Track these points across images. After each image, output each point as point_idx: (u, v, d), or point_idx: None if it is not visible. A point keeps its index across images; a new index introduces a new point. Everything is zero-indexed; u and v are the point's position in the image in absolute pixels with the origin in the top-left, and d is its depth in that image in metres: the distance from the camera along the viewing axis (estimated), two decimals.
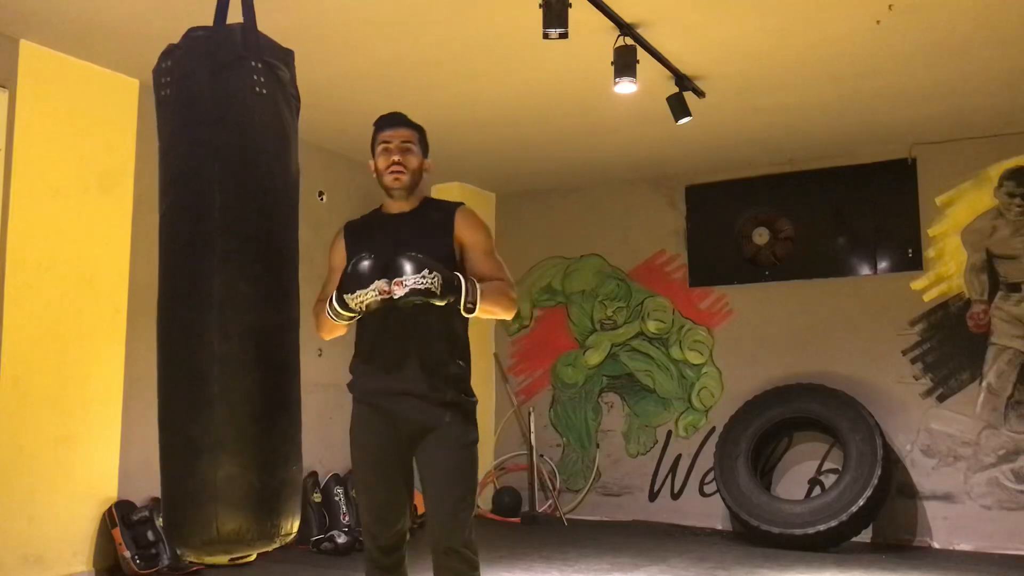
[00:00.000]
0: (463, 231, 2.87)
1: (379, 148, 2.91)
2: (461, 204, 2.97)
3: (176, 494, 2.36)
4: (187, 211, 2.38)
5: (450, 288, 2.59)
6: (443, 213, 2.90)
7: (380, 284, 2.58)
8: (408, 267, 2.55)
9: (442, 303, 2.60)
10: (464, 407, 2.84)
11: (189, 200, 2.38)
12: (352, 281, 2.62)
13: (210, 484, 2.27)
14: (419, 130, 2.96)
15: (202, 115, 2.37)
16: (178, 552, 2.41)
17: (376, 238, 2.83)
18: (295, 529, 2.46)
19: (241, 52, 2.39)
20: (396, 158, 2.86)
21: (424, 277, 2.54)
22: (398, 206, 2.93)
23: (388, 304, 2.60)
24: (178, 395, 2.36)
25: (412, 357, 2.77)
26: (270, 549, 2.41)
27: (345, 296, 2.63)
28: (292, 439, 2.44)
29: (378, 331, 2.81)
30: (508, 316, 2.84)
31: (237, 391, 2.32)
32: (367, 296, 2.60)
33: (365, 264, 2.62)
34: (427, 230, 2.85)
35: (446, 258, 2.77)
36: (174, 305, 2.39)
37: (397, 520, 2.83)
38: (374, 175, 2.95)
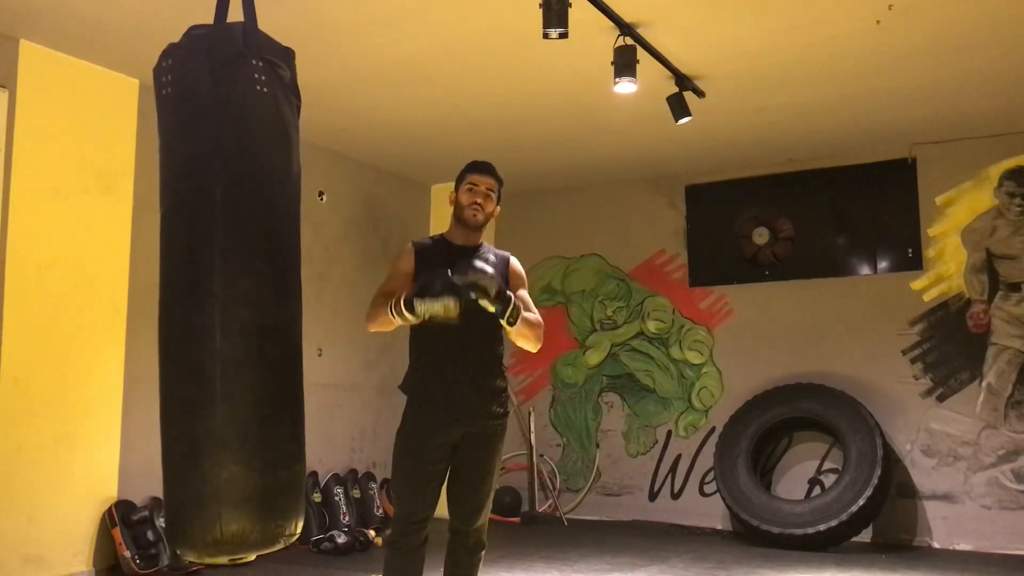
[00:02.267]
0: (513, 276, 3.40)
1: (465, 186, 3.38)
2: (509, 255, 3.47)
3: (179, 495, 2.32)
4: (188, 208, 2.36)
5: (502, 297, 3.05)
6: (500, 258, 3.41)
7: (448, 303, 2.96)
8: (481, 267, 3.03)
9: (492, 307, 3.03)
10: (503, 418, 3.34)
11: (190, 197, 2.36)
12: (427, 290, 3.00)
13: (213, 484, 2.23)
14: (501, 182, 3.43)
15: (203, 113, 2.35)
16: (179, 553, 2.39)
17: (448, 265, 3.21)
18: (299, 530, 2.43)
19: (242, 50, 2.37)
20: (479, 200, 3.34)
21: (490, 277, 3.01)
22: (464, 239, 3.40)
23: (447, 320, 2.99)
24: (179, 394, 2.33)
25: (467, 373, 3.24)
26: (274, 550, 2.37)
27: (415, 300, 3.00)
28: (296, 438, 2.41)
29: (438, 347, 3.25)
30: (535, 347, 3.30)
31: (239, 389, 2.28)
32: (434, 307, 2.97)
33: (442, 280, 3.01)
34: (488, 266, 3.25)
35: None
36: (175, 303, 2.36)
37: (428, 508, 3.25)
38: (451, 205, 3.41)
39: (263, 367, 2.33)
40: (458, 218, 3.38)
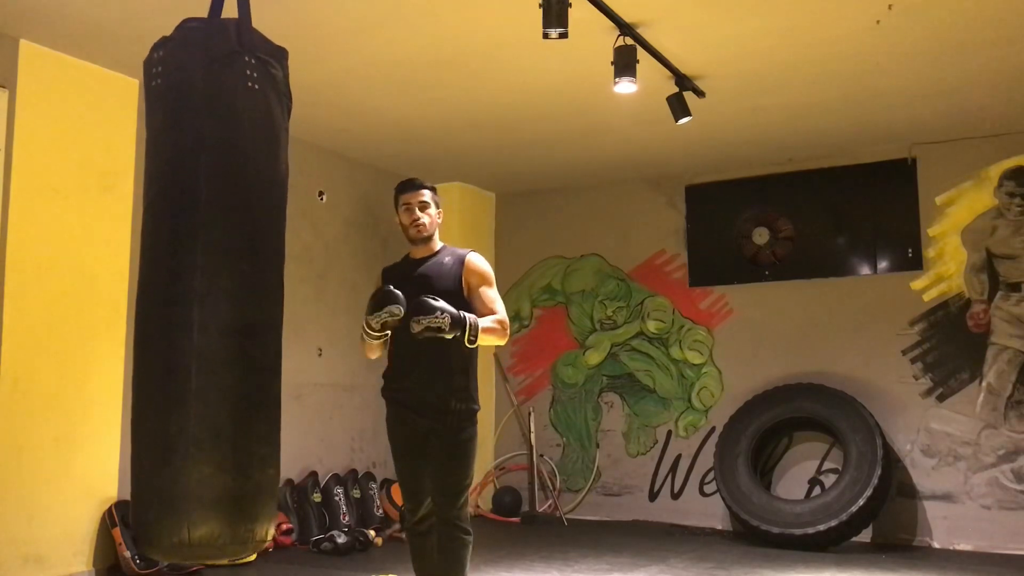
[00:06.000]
0: (469, 275, 3.55)
1: (402, 208, 3.62)
2: (470, 252, 3.63)
3: (146, 493, 2.26)
4: (171, 202, 2.31)
5: (457, 325, 3.27)
6: (455, 259, 3.59)
7: (391, 308, 3.27)
8: (426, 308, 3.23)
9: (450, 336, 3.26)
10: (463, 412, 3.50)
11: (174, 191, 2.31)
12: (374, 307, 3.33)
13: (183, 484, 2.18)
14: (433, 189, 3.67)
15: (191, 107, 2.31)
16: (146, 555, 2.35)
17: (407, 279, 3.52)
18: (270, 535, 2.36)
19: (234, 46, 2.34)
20: (416, 214, 3.58)
21: (437, 318, 3.22)
22: (421, 252, 3.64)
23: (399, 324, 3.30)
24: (153, 390, 2.27)
25: (427, 372, 3.48)
26: (243, 557, 2.33)
27: (368, 318, 3.34)
28: (270, 441, 2.35)
29: (404, 351, 3.50)
30: (502, 343, 3.57)
31: (215, 388, 2.23)
32: (382, 316, 3.29)
33: (383, 293, 3.33)
34: (443, 272, 3.55)
35: (457, 293, 3.48)
36: (153, 298, 2.31)
37: (418, 495, 3.53)
38: (399, 227, 3.65)
39: (240, 367, 2.28)
40: (407, 237, 3.63)
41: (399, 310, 3.27)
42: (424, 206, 3.59)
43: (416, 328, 3.22)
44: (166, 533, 2.20)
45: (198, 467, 2.20)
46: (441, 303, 3.26)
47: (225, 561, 2.32)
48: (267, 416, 2.36)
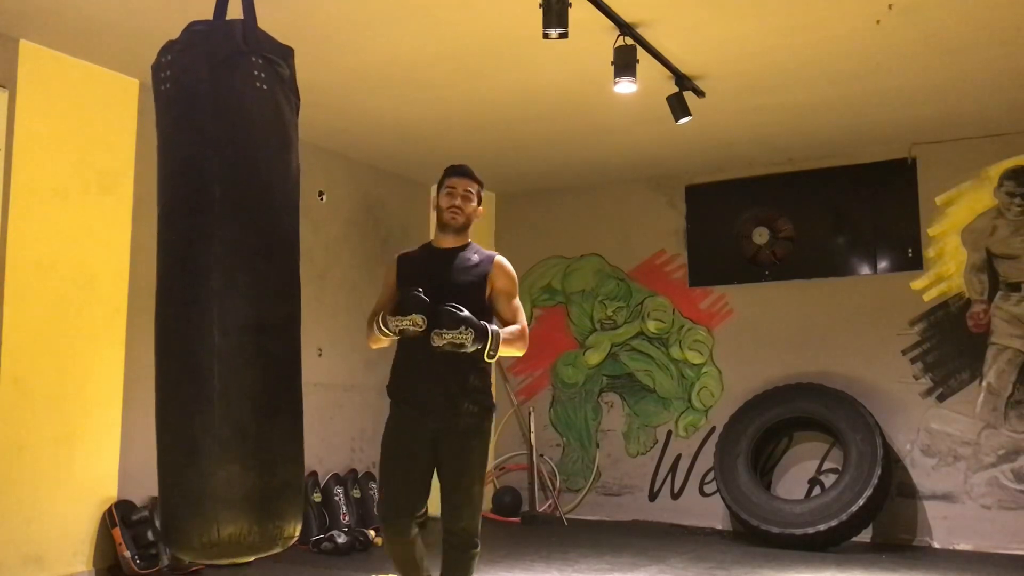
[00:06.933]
0: (497, 276, 3.44)
1: (445, 190, 3.52)
2: (497, 254, 3.53)
3: (174, 495, 2.27)
4: (186, 204, 2.34)
5: (480, 339, 3.13)
6: (483, 258, 3.47)
7: (415, 318, 3.15)
8: (450, 320, 3.10)
9: (471, 351, 3.14)
10: (476, 413, 3.37)
11: (188, 193, 2.33)
12: (398, 309, 3.22)
13: (210, 484, 2.20)
14: (480, 184, 3.57)
15: (201, 109, 2.33)
16: (176, 555, 2.37)
17: (427, 268, 3.42)
18: (298, 532, 2.39)
19: (241, 47, 2.36)
20: (457, 202, 3.47)
21: (461, 333, 3.10)
22: (448, 242, 3.50)
23: (420, 334, 3.15)
24: (176, 392, 2.29)
25: (438, 372, 3.31)
26: (272, 553, 2.34)
27: (389, 318, 3.22)
28: (295, 438, 2.38)
29: (415, 348, 3.33)
30: (520, 355, 3.45)
31: (237, 387, 2.25)
32: (403, 323, 3.17)
33: (412, 298, 3.19)
34: (469, 269, 3.43)
35: (480, 289, 3.38)
36: (172, 300, 2.33)
37: (412, 505, 3.34)
38: (435, 209, 3.56)
39: (262, 365, 2.30)
40: (440, 221, 3.51)
41: (423, 322, 3.14)
42: (467, 196, 3.49)
43: (437, 342, 3.09)
44: (195, 533, 2.22)
45: (224, 466, 2.21)
46: (465, 313, 3.12)
47: (251, 558, 2.35)
48: (290, 413, 2.38)
